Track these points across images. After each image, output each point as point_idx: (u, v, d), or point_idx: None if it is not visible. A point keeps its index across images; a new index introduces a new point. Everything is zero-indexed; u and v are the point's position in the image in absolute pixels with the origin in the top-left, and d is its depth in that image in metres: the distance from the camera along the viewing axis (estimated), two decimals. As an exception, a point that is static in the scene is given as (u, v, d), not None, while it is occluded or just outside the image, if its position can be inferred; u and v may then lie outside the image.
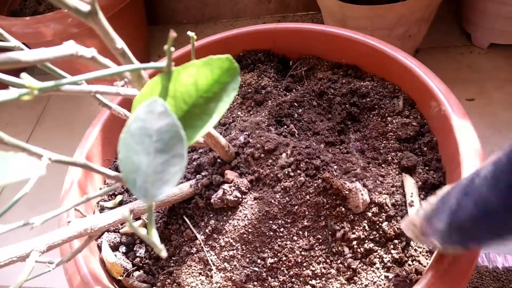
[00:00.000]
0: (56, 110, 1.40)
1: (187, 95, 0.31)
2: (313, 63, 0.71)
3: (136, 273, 0.52)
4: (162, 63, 0.28)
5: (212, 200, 0.50)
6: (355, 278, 0.47)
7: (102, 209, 0.58)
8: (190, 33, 0.42)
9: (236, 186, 0.50)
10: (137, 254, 0.53)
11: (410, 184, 0.52)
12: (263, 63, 0.72)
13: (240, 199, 0.50)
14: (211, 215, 0.52)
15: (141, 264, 0.53)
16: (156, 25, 1.53)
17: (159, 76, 0.29)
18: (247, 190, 0.50)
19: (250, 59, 0.72)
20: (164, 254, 0.25)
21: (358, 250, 0.48)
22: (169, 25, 1.54)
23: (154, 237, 0.27)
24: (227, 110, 0.66)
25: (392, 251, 0.48)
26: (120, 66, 0.29)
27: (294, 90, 0.67)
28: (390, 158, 0.56)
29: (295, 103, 0.62)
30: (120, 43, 0.27)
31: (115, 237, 0.55)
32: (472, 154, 0.47)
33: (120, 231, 0.55)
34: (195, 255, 0.51)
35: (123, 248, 0.54)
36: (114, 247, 0.54)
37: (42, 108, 1.42)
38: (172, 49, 0.27)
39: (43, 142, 1.32)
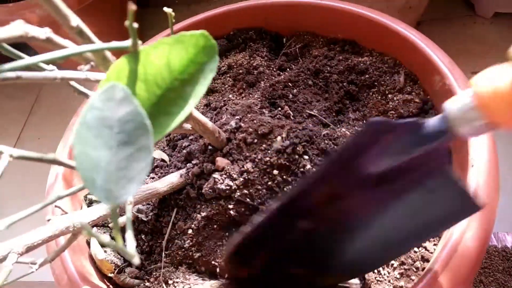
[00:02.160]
0: (49, 98, 1.37)
1: (160, 77, 0.27)
2: (308, 39, 0.66)
3: (128, 269, 0.50)
4: (127, 42, 0.25)
5: (203, 191, 0.47)
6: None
7: (90, 203, 0.55)
8: (167, 10, 0.38)
9: (228, 174, 0.47)
10: (129, 249, 0.51)
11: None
12: (254, 42, 0.68)
13: (232, 188, 0.47)
14: (204, 206, 0.49)
15: (132, 259, 0.51)
16: (147, 7, 1.48)
17: (124, 57, 0.25)
18: (238, 177, 0.47)
19: (241, 38, 0.68)
20: (136, 261, 0.23)
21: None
22: (160, 7, 1.48)
23: (128, 242, 0.24)
24: (218, 93, 0.63)
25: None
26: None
27: (288, 69, 0.63)
28: (392, 137, 0.53)
29: (289, 83, 0.58)
30: (75, 20, 0.24)
31: (104, 232, 0.52)
32: (480, 131, 0.44)
33: (109, 225, 0.53)
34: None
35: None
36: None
37: (34, 97, 1.39)
38: (136, 25, 0.24)
39: (37, 132, 1.29)
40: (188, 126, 0.47)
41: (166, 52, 0.26)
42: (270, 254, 0.38)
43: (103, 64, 0.28)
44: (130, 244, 0.25)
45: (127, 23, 0.23)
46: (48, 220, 0.40)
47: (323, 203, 0.33)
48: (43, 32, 0.26)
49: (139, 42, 0.25)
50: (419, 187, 0.32)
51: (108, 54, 0.27)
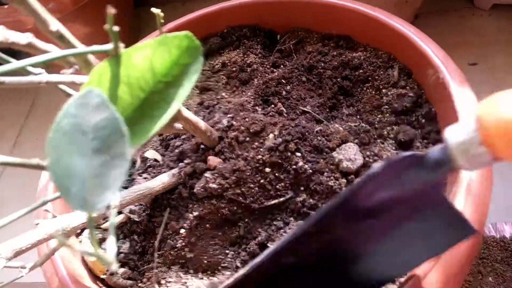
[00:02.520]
0: (46, 101, 1.36)
1: (143, 81, 0.27)
2: (302, 35, 0.66)
3: (121, 270, 0.50)
4: (108, 45, 0.24)
5: (195, 190, 0.47)
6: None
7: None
8: (155, 10, 0.38)
9: (220, 173, 0.46)
10: (121, 250, 0.51)
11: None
12: (248, 39, 0.67)
13: (224, 186, 0.47)
14: (196, 206, 0.48)
15: (125, 260, 0.50)
16: (143, 6, 1.47)
17: (106, 61, 0.25)
18: (230, 176, 0.47)
19: (234, 35, 0.68)
20: (114, 267, 0.22)
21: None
22: (157, 5, 1.47)
23: (109, 248, 0.24)
24: (211, 91, 0.62)
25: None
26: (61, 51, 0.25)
27: (282, 66, 0.62)
28: (385, 132, 0.52)
29: (282, 80, 0.58)
30: (55, 25, 0.23)
31: (97, 233, 0.52)
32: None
33: (102, 226, 0.52)
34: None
35: (105, 245, 0.51)
36: (97, 244, 0.51)
37: (31, 100, 1.38)
38: (117, 28, 0.23)
39: (35, 134, 1.28)
40: (179, 125, 0.46)
41: (149, 55, 0.26)
42: None
43: (85, 67, 0.27)
44: (111, 250, 0.24)
45: (106, 26, 0.23)
46: (37, 224, 0.40)
47: (317, 243, 0.33)
48: (24, 37, 0.25)
49: (121, 45, 0.25)
50: (416, 215, 0.30)
51: (91, 57, 0.27)
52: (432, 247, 0.33)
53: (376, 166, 0.28)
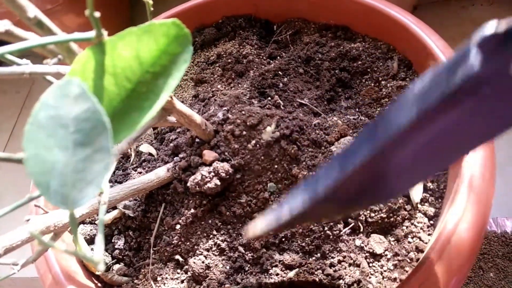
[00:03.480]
0: (42, 92, 1.35)
1: (129, 71, 0.25)
2: (299, 26, 0.64)
3: (116, 266, 0.49)
4: (90, 33, 0.23)
5: (188, 184, 0.46)
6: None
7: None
8: (145, -2, 0.36)
9: (216, 172, 0.45)
10: (116, 246, 0.50)
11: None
12: (244, 30, 0.65)
13: (220, 187, 0.45)
14: (191, 201, 0.47)
15: (120, 257, 0.49)
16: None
17: (88, 49, 0.24)
18: (227, 176, 0.45)
19: (230, 26, 0.66)
20: (101, 267, 0.21)
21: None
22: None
23: (96, 247, 0.23)
24: (207, 84, 0.61)
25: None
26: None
27: (278, 57, 0.61)
28: (385, 126, 0.51)
29: (279, 72, 0.56)
30: (32, 11, 0.22)
31: (91, 229, 0.51)
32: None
33: (96, 222, 0.51)
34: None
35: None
36: (91, 240, 0.51)
37: (27, 91, 1.37)
38: (98, 14, 0.22)
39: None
40: (172, 119, 0.45)
41: (134, 43, 0.24)
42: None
43: (68, 57, 0.26)
44: (98, 249, 0.23)
45: (87, 12, 0.21)
46: (27, 220, 0.39)
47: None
48: (2, 25, 0.24)
49: (105, 32, 0.24)
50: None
51: (74, 46, 0.26)
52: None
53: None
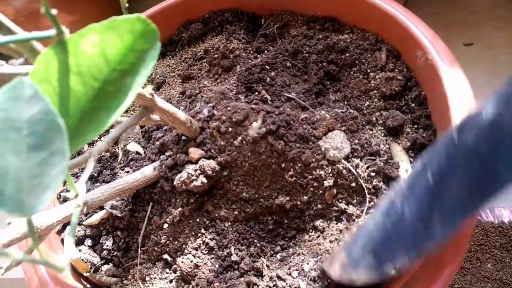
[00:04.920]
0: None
1: (96, 69, 0.25)
2: (287, 18, 0.63)
3: (105, 267, 0.48)
4: (50, 31, 0.22)
5: (175, 183, 0.45)
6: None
7: (64, 201, 0.53)
8: (119, -6, 0.35)
9: (202, 169, 0.44)
10: (104, 247, 0.49)
11: (398, 151, 0.46)
12: (231, 24, 0.64)
13: (207, 184, 0.45)
14: (178, 200, 0.47)
15: (109, 257, 0.49)
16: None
17: (50, 48, 0.23)
18: (214, 174, 0.45)
19: (217, 21, 0.65)
20: (65, 273, 0.20)
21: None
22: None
23: (66, 250, 0.22)
24: (194, 80, 0.60)
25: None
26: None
27: (266, 51, 0.60)
28: (374, 118, 0.50)
29: (266, 66, 0.55)
30: (-12, 10, 0.21)
31: (79, 230, 0.50)
32: (463, 107, 0.41)
33: (84, 223, 0.51)
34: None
35: (88, 241, 0.50)
36: (79, 241, 0.50)
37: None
38: (55, 11, 0.21)
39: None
40: (156, 117, 0.44)
41: (97, 41, 0.24)
42: None
43: (32, 56, 0.25)
44: (68, 252, 0.23)
45: (42, 10, 0.21)
46: (9, 224, 0.38)
47: None
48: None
49: (66, 30, 0.23)
50: None
51: (38, 45, 0.25)
52: None
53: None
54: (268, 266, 0.44)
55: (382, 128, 0.50)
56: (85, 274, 0.48)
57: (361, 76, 0.54)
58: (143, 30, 0.24)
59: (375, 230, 0.32)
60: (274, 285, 0.41)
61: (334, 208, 0.44)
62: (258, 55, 0.59)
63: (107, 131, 0.58)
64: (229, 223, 0.46)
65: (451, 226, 0.27)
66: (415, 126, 0.49)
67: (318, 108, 0.52)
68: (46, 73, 0.23)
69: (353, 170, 0.44)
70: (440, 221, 0.27)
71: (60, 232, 0.51)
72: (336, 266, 0.36)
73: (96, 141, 0.60)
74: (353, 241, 0.35)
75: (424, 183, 0.28)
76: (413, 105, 0.50)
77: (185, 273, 0.44)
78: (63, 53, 0.23)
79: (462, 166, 0.26)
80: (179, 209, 0.46)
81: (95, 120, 0.25)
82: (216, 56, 0.59)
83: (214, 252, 0.45)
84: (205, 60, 0.61)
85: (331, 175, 0.44)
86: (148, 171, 0.48)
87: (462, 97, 0.42)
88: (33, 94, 0.18)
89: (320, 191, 0.44)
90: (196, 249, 0.45)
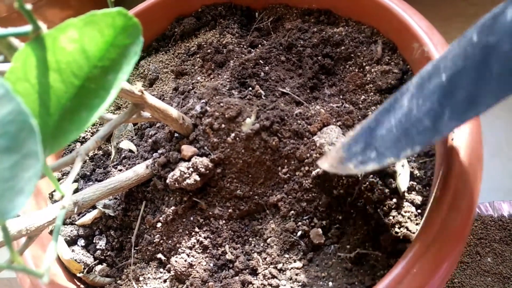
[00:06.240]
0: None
1: (76, 66, 0.24)
2: (281, 12, 0.62)
3: (98, 267, 0.48)
4: (26, 27, 0.21)
5: (167, 181, 0.45)
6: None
7: (56, 201, 0.52)
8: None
9: (195, 167, 0.44)
10: (98, 247, 0.49)
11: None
12: (225, 18, 0.63)
13: (200, 182, 0.44)
14: (172, 198, 0.46)
15: (102, 257, 0.48)
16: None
17: (27, 45, 0.22)
18: (207, 172, 0.44)
19: (210, 15, 0.64)
20: (45, 280, 0.20)
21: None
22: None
23: (48, 255, 0.22)
24: (187, 76, 0.59)
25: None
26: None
27: (260, 45, 0.59)
28: (370, 113, 0.49)
29: (260, 61, 0.54)
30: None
31: (71, 230, 0.50)
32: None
33: (76, 223, 0.50)
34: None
35: (81, 242, 0.49)
36: (72, 241, 0.49)
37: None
38: (29, 6, 0.20)
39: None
40: (147, 114, 0.43)
41: (76, 36, 0.23)
42: None
43: (9, 54, 0.24)
44: (49, 257, 0.22)
45: (16, 4, 0.20)
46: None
47: None
48: None
49: (43, 26, 0.22)
50: None
51: (15, 42, 0.24)
52: None
53: None
54: (264, 259, 0.43)
55: (379, 122, 0.49)
56: (78, 275, 0.47)
57: (356, 70, 0.53)
58: (125, 25, 0.24)
59: (377, 126, 0.32)
60: (268, 284, 0.41)
61: (330, 204, 0.44)
62: (252, 50, 0.58)
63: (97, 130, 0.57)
64: (224, 221, 0.46)
65: (460, 122, 0.26)
66: (412, 120, 0.48)
67: (313, 103, 0.51)
68: (24, 71, 0.22)
69: (349, 166, 0.43)
70: (450, 117, 0.26)
71: (52, 232, 0.51)
72: (332, 161, 0.37)
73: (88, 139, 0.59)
74: (352, 138, 0.35)
75: (437, 81, 0.28)
76: (409, 98, 0.49)
77: (179, 273, 0.44)
78: (41, 49, 0.22)
79: (480, 64, 0.25)
80: (173, 207, 0.45)
81: (76, 119, 0.24)
82: (209, 51, 0.58)
83: (208, 251, 0.45)
84: (198, 55, 0.60)
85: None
86: (140, 169, 0.48)
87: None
88: (4, 94, 0.17)
89: (315, 188, 0.44)
90: (190, 248, 0.45)
